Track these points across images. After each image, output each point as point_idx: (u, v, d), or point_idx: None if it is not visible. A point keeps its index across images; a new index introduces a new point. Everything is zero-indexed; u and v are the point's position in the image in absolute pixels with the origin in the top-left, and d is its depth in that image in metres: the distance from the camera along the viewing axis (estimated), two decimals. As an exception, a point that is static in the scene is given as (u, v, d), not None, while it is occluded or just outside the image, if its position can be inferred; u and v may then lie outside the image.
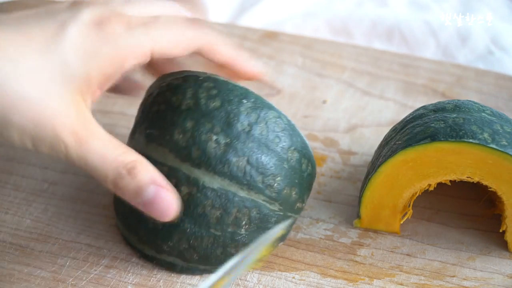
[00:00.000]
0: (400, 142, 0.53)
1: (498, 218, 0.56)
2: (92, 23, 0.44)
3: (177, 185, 0.49)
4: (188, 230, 0.50)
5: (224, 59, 0.50)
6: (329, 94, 0.70)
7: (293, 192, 0.51)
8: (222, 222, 0.49)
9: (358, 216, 0.56)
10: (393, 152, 0.52)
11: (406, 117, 0.56)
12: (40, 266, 0.54)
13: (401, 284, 0.52)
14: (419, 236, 0.56)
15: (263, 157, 0.49)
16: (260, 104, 0.50)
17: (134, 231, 0.53)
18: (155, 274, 0.53)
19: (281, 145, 0.50)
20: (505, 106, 0.68)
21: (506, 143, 0.50)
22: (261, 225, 0.51)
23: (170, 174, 0.49)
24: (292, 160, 0.51)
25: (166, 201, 0.44)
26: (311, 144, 0.64)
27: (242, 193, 0.49)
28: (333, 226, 0.57)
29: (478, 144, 0.50)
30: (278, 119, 0.51)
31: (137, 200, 0.44)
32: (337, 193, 0.60)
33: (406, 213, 0.56)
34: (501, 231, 0.54)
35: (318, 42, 0.77)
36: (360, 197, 0.55)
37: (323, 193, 0.60)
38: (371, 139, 0.65)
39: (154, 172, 0.45)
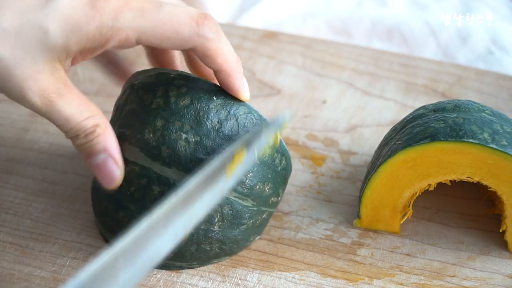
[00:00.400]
0: (400, 142, 0.53)
1: (498, 218, 0.56)
2: None
3: (149, 184, 0.49)
4: None
5: (214, 68, 0.49)
6: (329, 94, 0.70)
7: (267, 187, 0.51)
8: None
9: (358, 216, 0.56)
10: (393, 152, 0.52)
11: (406, 117, 0.56)
12: (40, 266, 0.54)
13: (401, 284, 0.52)
14: (419, 236, 0.56)
15: None
16: (230, 101, 0.50)
17: (110, 229, 0.53)
18: (155, 274, 0.53)
19: None
20: (505, 106, 0.68)
21: (506, 143, 0.50)
22: (234, 221, 0.51)
23: (142, 173, 0.49)
24: (264, 156, 0.51)
25: (110, 171, 0.48)
26: (311, 144, 0.65)
27: None
28: (333, 226, 0.57)
29: (478, 144, 0.50)
30: (249, 115, 0.50)
31: (87, 161, 0.48)
32: (337, 193, 0.60)
33: (406, 213, 0.56)
34: (501, 231, 0.54)
35: (318, 42, 0.77)
36: (360, 197, 0.55)
37: (323, 193, 0.60)
38: (371, 139, 0.65)
39: (109, 141, 0.47)
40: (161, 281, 0.52)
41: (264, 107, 0.69)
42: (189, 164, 0.49)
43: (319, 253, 0.55)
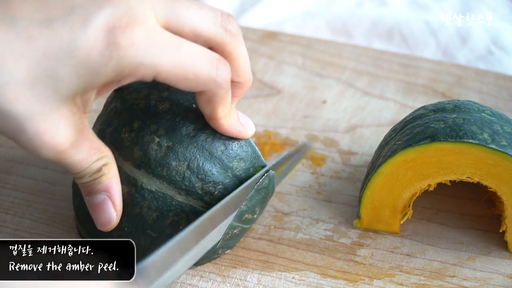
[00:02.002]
0: (400, 142, 0.53)
1: (498, 218, 0.56)
2: (107, 29, 0.40)
3: None
4: (126, 228, 0.50)
5: (208, 115, 0.48)
6: (329, 94, 0.70)
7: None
8: (159, 224, 0.49)
9: (358, 216, 0.56)
10: (393, 152, 0.52)
11: (406, 117, 0.56)
12: (40, 266, 0.54)
13: (401, 284, 0.52)
14: (419, 236, 0.56)
15: (205, 164, 0.49)
16: None
17: (84, 223, 0.53)
18: (155, 274, 0.53)
19: (226, 153, 0.50)
20: (505, 106, 0.68)
21: (506, 143, 0.50)
22: None
23: None
24: (237, 169, 0.50)
25: (106, 214, 0.48)
26: (311, 144, 0.64)
27: (180, 198, 0.49)
28: (333, 226, 0.57)
29: (478, 144, 0.50)
30: None
31: (86, 199, 0.47)
32: (337, 193, 0.60)
33: (406, 213, 0.56)
34: (501, 231, 0.54)
35: (318, 42, 0.77)
36: (360, 197, 0.55)
37: (323, 193, 0.60)
38: (371, 139, 0.65)
39: (112, 183, 0.47)
40: (161, 281, 0.52)
41: (264, 107, 0.69)
42: (158, 168, 0.49)
43: (319, 253, 0.55)
